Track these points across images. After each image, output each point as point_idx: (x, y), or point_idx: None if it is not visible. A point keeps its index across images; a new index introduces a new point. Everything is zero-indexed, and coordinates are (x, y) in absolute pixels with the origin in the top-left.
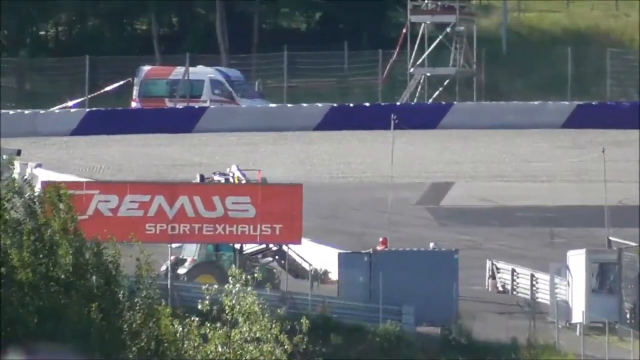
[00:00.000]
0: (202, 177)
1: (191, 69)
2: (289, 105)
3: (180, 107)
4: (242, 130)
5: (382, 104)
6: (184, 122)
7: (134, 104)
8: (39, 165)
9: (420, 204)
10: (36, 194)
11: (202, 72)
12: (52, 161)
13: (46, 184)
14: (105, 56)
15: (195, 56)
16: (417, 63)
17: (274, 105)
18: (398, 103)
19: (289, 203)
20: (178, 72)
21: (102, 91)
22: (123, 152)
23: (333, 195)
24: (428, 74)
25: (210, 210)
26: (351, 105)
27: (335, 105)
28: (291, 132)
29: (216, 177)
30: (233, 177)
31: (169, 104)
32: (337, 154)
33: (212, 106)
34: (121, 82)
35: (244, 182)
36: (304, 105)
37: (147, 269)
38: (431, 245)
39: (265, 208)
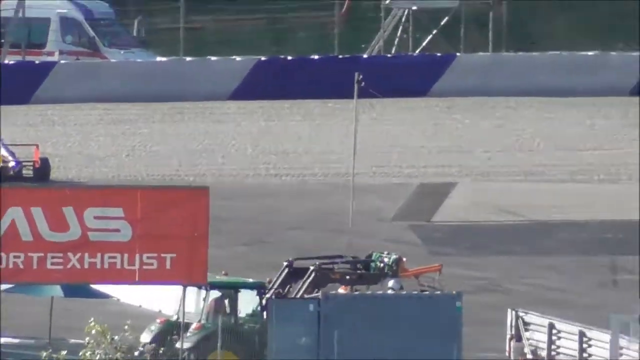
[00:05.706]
0: None
1: (29, 1)
2: (188, 59)
3: (11, 62)
4: (111, 100)
5: (340, 56)
6: (16, 88)
7: None
8: None
9: (400, 219)
10: None
11: (47, 6)
12: None
13: None
14: None
15: None
16: None
17: (163, 59)
18: (366, 55)
19: (189, 218)
20: (5, 5)
21: None
22: None
23: (259, 205)
24: (414, 8)
25: (60, 231)
26: (289, 58)
27: (263, 58)
28: (191, 102)
29: None
30: None
31: None
32: (264, 137)
33: (62, 61)
34: None
35: (11, 163)
36: (213, 59)
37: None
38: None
39: (150, 226)
